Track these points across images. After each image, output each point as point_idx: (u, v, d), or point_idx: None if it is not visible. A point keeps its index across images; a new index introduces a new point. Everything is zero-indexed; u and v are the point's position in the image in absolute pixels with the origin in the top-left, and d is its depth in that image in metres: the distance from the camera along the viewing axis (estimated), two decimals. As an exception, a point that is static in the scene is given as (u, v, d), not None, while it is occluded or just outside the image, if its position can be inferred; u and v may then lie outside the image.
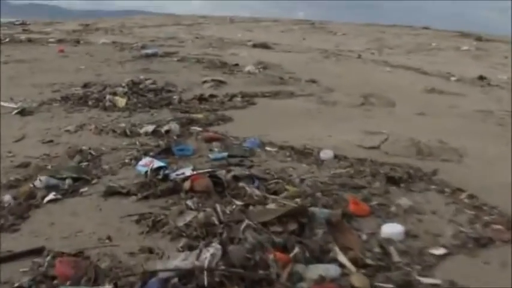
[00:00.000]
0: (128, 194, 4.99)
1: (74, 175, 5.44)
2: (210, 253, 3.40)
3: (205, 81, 11.69)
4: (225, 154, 6.22)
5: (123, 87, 10.44)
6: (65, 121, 8.11)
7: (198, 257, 3.38)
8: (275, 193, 5.01)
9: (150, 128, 7.33)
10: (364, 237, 4.23)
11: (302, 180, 5.50)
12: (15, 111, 8.53)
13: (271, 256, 3.49)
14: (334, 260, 3.73)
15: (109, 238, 4.02)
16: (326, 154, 6.44)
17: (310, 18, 39.97)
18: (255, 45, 20.37)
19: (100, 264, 3.51)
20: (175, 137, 7.08)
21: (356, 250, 3.90)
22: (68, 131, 7.45)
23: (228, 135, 7.28)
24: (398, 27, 35.93)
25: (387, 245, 4.04)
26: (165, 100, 9.49)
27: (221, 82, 11.70)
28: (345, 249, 3.88)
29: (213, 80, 11.67)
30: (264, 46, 20.18)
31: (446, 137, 7.36)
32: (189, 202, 4.63)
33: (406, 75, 15.22)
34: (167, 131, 7.23)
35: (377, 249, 3.99)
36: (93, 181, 5.39)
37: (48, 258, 3.58)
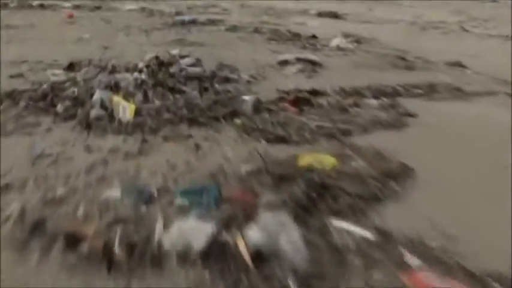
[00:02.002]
0: None
1: None
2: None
3: (285, 62, 6.06)
4: None
5: (139, 70, 4.94)
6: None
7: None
8: None
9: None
10: None
11: None
12: None
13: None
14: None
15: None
16: None
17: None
18: (320, 14, 14.45)
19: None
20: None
21: None
22: None
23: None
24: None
25: None
26: (225, 105, 3.90)
27: (313, 63, 6.04)
28: None
29: (298, 60, 6.02)
30: (333, 15, 14.26)
31: None
32: None
33: None
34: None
35: None
36: None
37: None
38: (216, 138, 3.31)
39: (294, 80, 5.21)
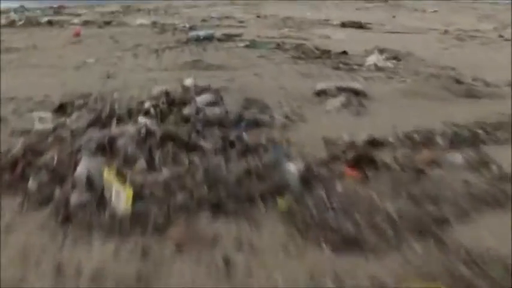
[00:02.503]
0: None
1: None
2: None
3: (322, 92, 4.90)
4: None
5: (145, 112, 3.86)
6: None
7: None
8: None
9: None
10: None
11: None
12: None
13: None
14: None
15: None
16: None
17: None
18: (344, 25, 13.26)
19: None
20: None
21: None
22: None
23: None
24: (479, 2, 27.61)
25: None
26: (261, 177, 2.72)
27: (357, 93, 4.87)
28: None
29: (340, 90, 4.85)
30: (357, 25, 13.06)
31: None
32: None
33: None
34: None
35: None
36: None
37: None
38: (254, 244, 2.15)
39: (340, 121, 4.03)
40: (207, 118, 3.76)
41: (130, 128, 3.22)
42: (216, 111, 3.89)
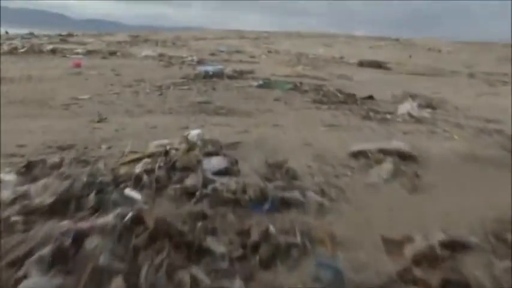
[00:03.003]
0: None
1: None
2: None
3: (360, 154, 3.93)
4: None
5: (136, 179, 2.90)
6: None
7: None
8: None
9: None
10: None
11: None
12: None
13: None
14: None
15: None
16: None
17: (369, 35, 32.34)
18: (361, 64, 12.50)
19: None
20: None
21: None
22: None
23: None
24: (482, 43, 27.14)
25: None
26: None
27: (404, 158, 3.89)
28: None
29: (384, 153, 3.87)
30: (376, 65, 12.29)
31: None
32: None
33: None
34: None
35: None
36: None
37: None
38: None
39: (394, 201, 3.03)
40: (218, 195, 2.78)
41: (108, 219, 2.22)
42: (229, 184, 2.90)
